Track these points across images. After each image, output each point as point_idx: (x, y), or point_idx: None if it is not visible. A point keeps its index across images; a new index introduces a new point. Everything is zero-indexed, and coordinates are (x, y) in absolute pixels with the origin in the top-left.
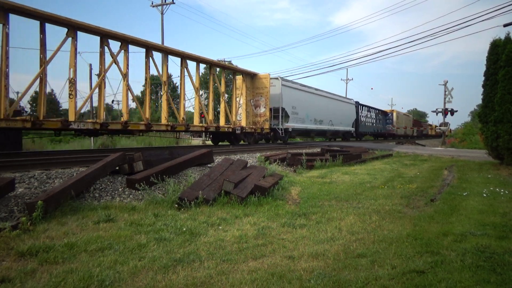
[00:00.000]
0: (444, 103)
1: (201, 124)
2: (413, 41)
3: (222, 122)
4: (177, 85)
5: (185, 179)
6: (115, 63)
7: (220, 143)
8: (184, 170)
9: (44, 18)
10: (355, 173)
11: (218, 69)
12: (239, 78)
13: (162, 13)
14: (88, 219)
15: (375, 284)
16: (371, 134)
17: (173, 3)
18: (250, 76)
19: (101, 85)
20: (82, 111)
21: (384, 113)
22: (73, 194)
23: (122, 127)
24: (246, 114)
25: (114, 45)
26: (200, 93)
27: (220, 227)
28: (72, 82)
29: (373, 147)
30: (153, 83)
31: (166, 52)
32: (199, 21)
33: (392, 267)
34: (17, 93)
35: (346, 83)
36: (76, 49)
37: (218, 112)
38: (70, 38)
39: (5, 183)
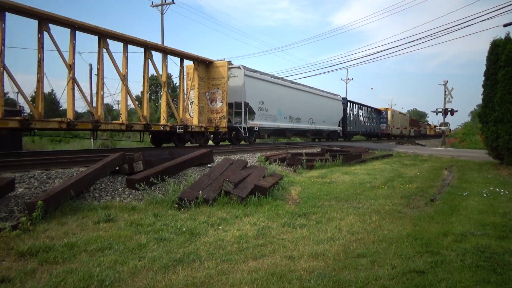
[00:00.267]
0: (444, 103)
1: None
2: (413, 41)
3: (163, 119)
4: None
5: (185, 179)
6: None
7: (220, 143)
8: (184, 170)
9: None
10: (355, 173)
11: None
12: (189, 67)
13: (162, 13)
14: (88, 219)
15: (375, 284)
16: (363, 134)
17: (173, 3)
18: (205, 64)
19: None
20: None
21: (378, 112)
22: (73, 194)
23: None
24: (199, 110)
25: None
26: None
27: (220, 227)
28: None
29: (373, 147)
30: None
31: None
32: (199, 21)
33: (392, 267)
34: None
35: (346, 83)
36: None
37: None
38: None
39: (5, 183)
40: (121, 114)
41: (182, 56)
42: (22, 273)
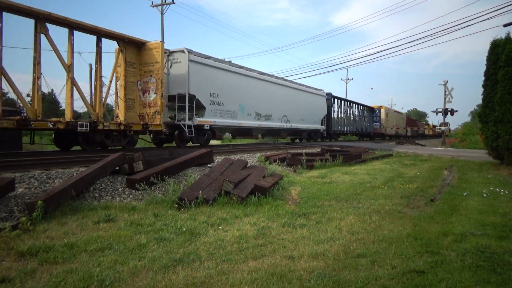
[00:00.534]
0: (444, 103)
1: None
2: (413, 41)
3: (68, 113)
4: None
5: (185, 179)
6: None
7: (216, 143)
8: (184, 170)
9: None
10: (355, 173)
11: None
12: (117, 50)
13: (162, 13)
14: (88, 219)
15: (375, 284)
16: (353, 133)
17: (173, 3)
18: (135, 46)
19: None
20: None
21: (370, 110)
22: (73, 194)
23: None
24: (126, 104)
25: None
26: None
27: (220, 227)
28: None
29: (373, 147)
30: None
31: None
32: (199, 21)
33: (392, 267)
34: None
35: (346, 83)
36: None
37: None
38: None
39: (5, 183)
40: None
41: (99, 33)
42: (22, 273)
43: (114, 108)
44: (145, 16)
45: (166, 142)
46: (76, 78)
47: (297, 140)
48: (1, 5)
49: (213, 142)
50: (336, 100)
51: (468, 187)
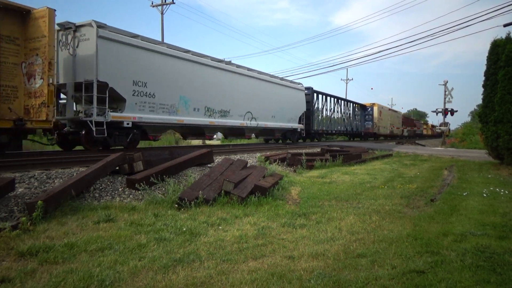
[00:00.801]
0: (444, 103)
1: None
2: (413, 41)
3: None
4: None
5: (185, 179)
6: None
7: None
8: (184, 170)
9: None
10: (355, 173)
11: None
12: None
13: (162, 13)
14: (88, 219)
15: (375, 284)
16: (341, 133)
17: (173, 3)
18: (16, 15)
19: None
20: None
21: (362, 108)
22: (73, 194)
23: None
24: (5, 93)
25: None
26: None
27: (220, 227)
28: None
29: (373, 147)
30: None
31: None
32: (199, 21)
33: (392, 267)
34: None
35: (346, 83)
36: None
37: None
38: None
39: (5, 183)
40: None
41: None
42: (22, 273)
43: None
44: (145, 16)
45: (78, 144)
46: None
47: (272, 141)
48: None
49: (213, 142)
50: (320, 96)
51: (468, 187)
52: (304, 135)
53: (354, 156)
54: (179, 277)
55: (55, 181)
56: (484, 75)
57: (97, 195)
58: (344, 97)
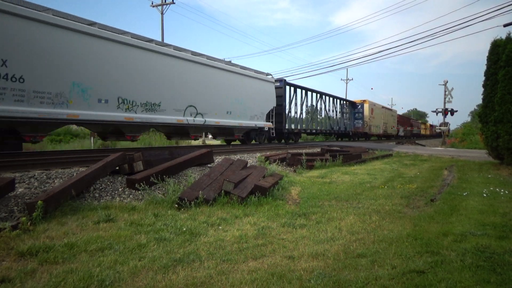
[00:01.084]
0: (444, 103)
1: None
2: (413, 41)
3: None
4: None
5: (185, 179)
6: None
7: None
8: (184, 170)
9: None
10: (355, 173)
11: None
12: None
13: (162, 13)
14: (88, 219)
15: (375, 284)
16: (326, 132)
17: (173, 3)
18: None
19: None
20: None
21: (352, 105)
22: (73, 194)
23: None
24: None
25: None
26: None
27: (220, 227)
28: None
29: (373, 147)
30: None
31: None
32: (199, 21)
33: (392, 267)
34: None
35: (346, 83)
36: None
37: None
38: None
39: (5, 183)
40: None
41: None
42: (22, 273)
43: None
44: (145, 16)
45: None
46: None
47: (237, 142)
48: None
49: (213, 142)
50: (297, 90)
51: (468, 187)
52: (274, 135)
53: (354, 156)
54: (179, 277)
55: (55, 181)
56: (484, 75)
57: (97, 195)
58: (343, 96)
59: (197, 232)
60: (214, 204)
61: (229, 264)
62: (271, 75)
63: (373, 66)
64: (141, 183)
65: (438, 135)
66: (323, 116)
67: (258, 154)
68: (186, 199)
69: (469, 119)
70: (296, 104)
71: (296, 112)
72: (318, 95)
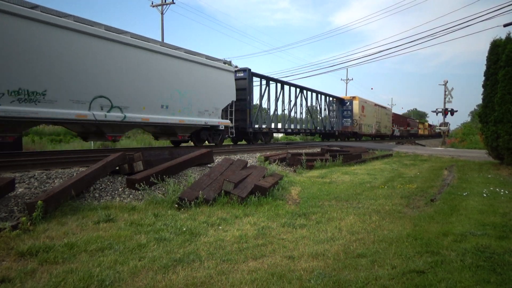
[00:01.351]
0: (444, 103)
1: None
2: (413, 41)
3: None
4: None
5: (185, 179)
6: None
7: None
8: (184, 170)
9: None
10: (355, 173)
11: None
12: None
13: (162, 13)
14: (88, 219)
15: (375, 284)
16: (306, 132)
17: (173, 3)
18: None
19: None
20: None
21: (340, 102)
22: (73, 194)
23: None
24: None
25: None
26: None
27: (220, 227)
28: None
29: (373, 147)
30: None
31: None
32: (199, 21)
33: (392, 267)
34: None
35: (346, 83)
36: None
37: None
38: None
39: (5, 183)
40: None
41: None
42: (22, 273)
43: None
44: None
45: None
46: None
47: (193, 143)
48: None
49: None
50: (270, 83)
51: (468, 187)
52: (234, 135)
53: (354, 156)
54: (179, 277)
55: (55, 181)
56: (484, 75)
57: (97, 195)
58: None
59: (197, 232)
60: (214, 204)
61: (229, 264)
62: (230, 62)
63: (373, 66)
64: (141, 183)
65: (437, 135)
66: (303, 113)
67: (258, 154)
68: (186, 199)
69: (469, 119)
70: (269, 99)
71: (268, 109)
72: (298, 89)
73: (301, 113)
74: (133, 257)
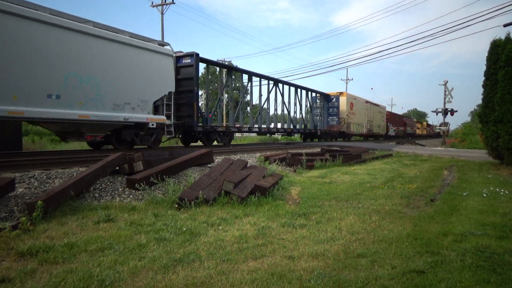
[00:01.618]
0: (444, 103)
1: None
2: (413, 41)
3: None
4: None
5: (185, 179)
6: None
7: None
8: (184, 170)
9: None
10: (355, 173)
11: None
12: None
13: (162, 13)
14: (88, 219)
15: (375, 284)
16: (281, 132)
17: (173, 3)
18: None
19: None
20: None
21: (325, 98)
22: (73, 194)
23: None
24: None
25: None
26: None
27: (220, 227)
28: None
29: (373, 147)
30: None
31: None
32: (199, 21)
33: (392, 267)
34: None
35: (346, 83)
36: None
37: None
38: None
39: (5, 183)
40: None
41: None
42: (22, 273)
43: None
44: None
45: None
46: None
47: (113, 145)
48: None
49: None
50: (231, 73)
51: (468, 187)
52: (173, 134)
53: (354, 156)
54: (179, 277)
55: (55, 181)
56: (484, 75)
57: (97, 195)
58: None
59: (197, 232)
60: (214, 204)
61: (229, 264)
62: (168, 44)
63: (373, 66)
64: (141, 183)
65: (436, 135)
66: (279, 110)
67: (258, 154)
68: (186, 199)
69: (469, 119)
70: (228, 93)
71: (228, 104)
72: (272, 83)
73: (275, 109)
74: (133, 257)
